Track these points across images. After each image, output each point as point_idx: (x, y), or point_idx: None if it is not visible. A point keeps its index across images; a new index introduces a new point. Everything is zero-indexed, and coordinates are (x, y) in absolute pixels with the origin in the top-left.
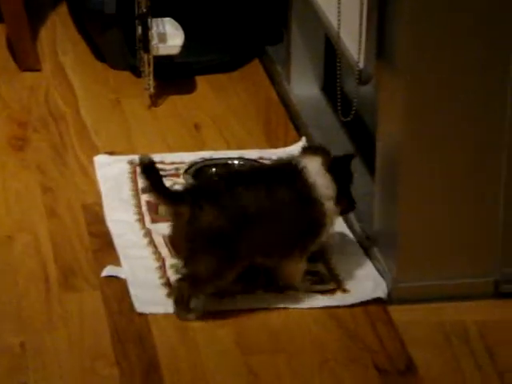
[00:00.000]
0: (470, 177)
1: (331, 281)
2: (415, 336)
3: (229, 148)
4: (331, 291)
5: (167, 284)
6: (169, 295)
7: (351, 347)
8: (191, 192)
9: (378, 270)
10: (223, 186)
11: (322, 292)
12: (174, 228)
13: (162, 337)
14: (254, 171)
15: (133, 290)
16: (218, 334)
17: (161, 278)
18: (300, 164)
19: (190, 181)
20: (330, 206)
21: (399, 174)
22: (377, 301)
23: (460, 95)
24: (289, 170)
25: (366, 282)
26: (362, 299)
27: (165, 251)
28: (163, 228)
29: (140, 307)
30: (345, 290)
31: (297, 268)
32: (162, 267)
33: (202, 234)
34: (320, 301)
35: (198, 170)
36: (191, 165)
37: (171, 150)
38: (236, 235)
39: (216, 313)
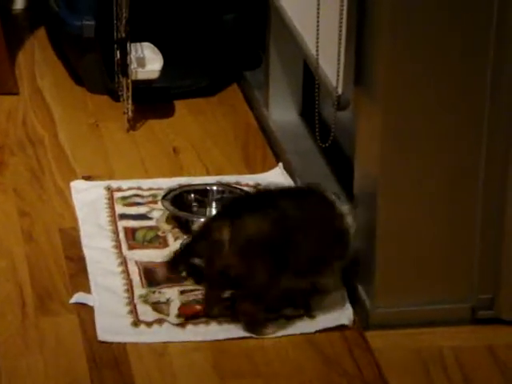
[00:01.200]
0: (447, 203)
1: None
2: (392, 362)
3: (207, 172)
4: (298, 317)
5: (134, 313)
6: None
7: (328, 372)
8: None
9: (355, 296)
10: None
11: (289, 318)
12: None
13: (138, 362)
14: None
15: (98, 318)
16: (195, 358)
17: (127, 305)
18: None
19: (169, 207)
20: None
21: (377, 199)
22: (354, 326)
23: (438, 121)
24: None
25: (332, 308)
26: (325, 326)
27: (137, 280)
28: (140, 255)
29: (102, 335)
30: (311, 316)
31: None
32: (131, 297)
33: (251, 241)
34: (283, 327)
35: (176, 196)
36: (169, 191)
37: (149, 174)
38: (281, 242)
39: None
